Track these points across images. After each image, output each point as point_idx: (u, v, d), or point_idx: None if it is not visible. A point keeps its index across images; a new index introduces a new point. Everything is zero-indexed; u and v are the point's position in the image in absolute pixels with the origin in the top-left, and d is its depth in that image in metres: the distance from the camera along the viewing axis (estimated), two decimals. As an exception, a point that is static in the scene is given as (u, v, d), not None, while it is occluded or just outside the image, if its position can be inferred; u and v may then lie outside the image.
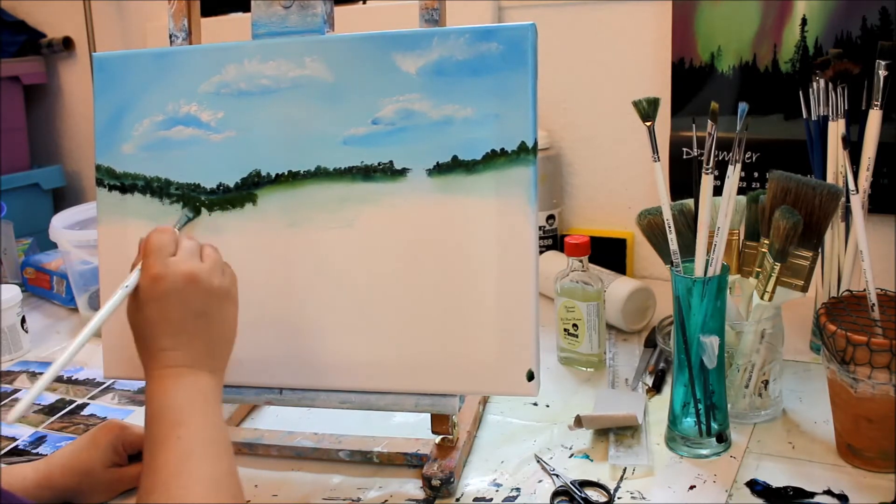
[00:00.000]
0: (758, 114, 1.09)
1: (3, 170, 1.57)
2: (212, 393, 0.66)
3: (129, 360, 0.80)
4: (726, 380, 0.79)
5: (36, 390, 0.61)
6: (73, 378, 1.06)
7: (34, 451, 0.88)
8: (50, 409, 0.98)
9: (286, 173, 0.76)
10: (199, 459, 0.61)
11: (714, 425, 0.77)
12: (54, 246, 1.27)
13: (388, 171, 0.74)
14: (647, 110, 0.77)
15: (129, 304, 0.67)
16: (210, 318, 0.67)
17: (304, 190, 0.76)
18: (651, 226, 0.81)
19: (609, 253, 1.25)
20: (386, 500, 0.75)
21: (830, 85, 0.89)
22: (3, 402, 1.01)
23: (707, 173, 0.75)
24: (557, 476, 0.75)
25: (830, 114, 0.90)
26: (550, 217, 1.28)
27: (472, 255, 0.72)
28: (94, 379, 1.05)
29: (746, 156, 1.12)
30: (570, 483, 0.74)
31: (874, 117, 0.86)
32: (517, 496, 0.74)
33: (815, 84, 0.92)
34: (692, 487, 0.73)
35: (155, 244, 0.67)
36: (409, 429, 0.85)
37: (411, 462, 0.79)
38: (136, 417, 0.93)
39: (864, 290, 0.76)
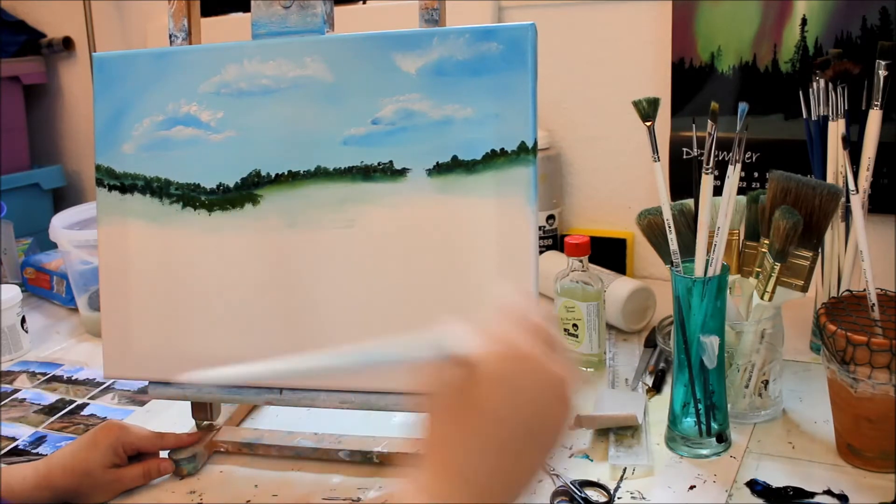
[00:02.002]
0: (758, 114, 1.09)
1: (3, 170, 1.56)
2: None
3: (130, 360, 0.81)
4: (726, 380, 0.79)
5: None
6: (73, 378, 1.06)
7: (34, 451, 0.88)
8: (50, 409, 0.98)
9: (286, 173, 0.76)
10: None
11: (714, 425, 0.77)
12: (54, 246, 1.27)
13: (388, 171, 0.74)
14: (647, 110, 0.77)
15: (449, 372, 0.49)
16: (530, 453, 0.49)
17: (304, 190, 0.76)
18: (651, 226, 0.81)
19: (609, 253, 1.25)
20: (386, 501, 0.75)
21: (830, 85, 0.89)
22: (3, 402, 1.01)
23: (707, 173, 0.75)
24: (557, 476, 0.75)
25: (830, 114, 0.90)
26: (550, 217, 1.28)
27: (472, 255, 0.72)
28: (94, 379, 1.05)
29: (746, 156, 1.12)
30: (570, 483, 0.74)
31: (874, 117, 0.86)
32: (517, 496, 0.74)
33: (815, 84, 0.92)
34: (692, 487, 0.73)
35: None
36: (410, 429, 0.85)
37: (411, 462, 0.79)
38: (135, 417, 0.93)
39: (864, 290, 0.76)
